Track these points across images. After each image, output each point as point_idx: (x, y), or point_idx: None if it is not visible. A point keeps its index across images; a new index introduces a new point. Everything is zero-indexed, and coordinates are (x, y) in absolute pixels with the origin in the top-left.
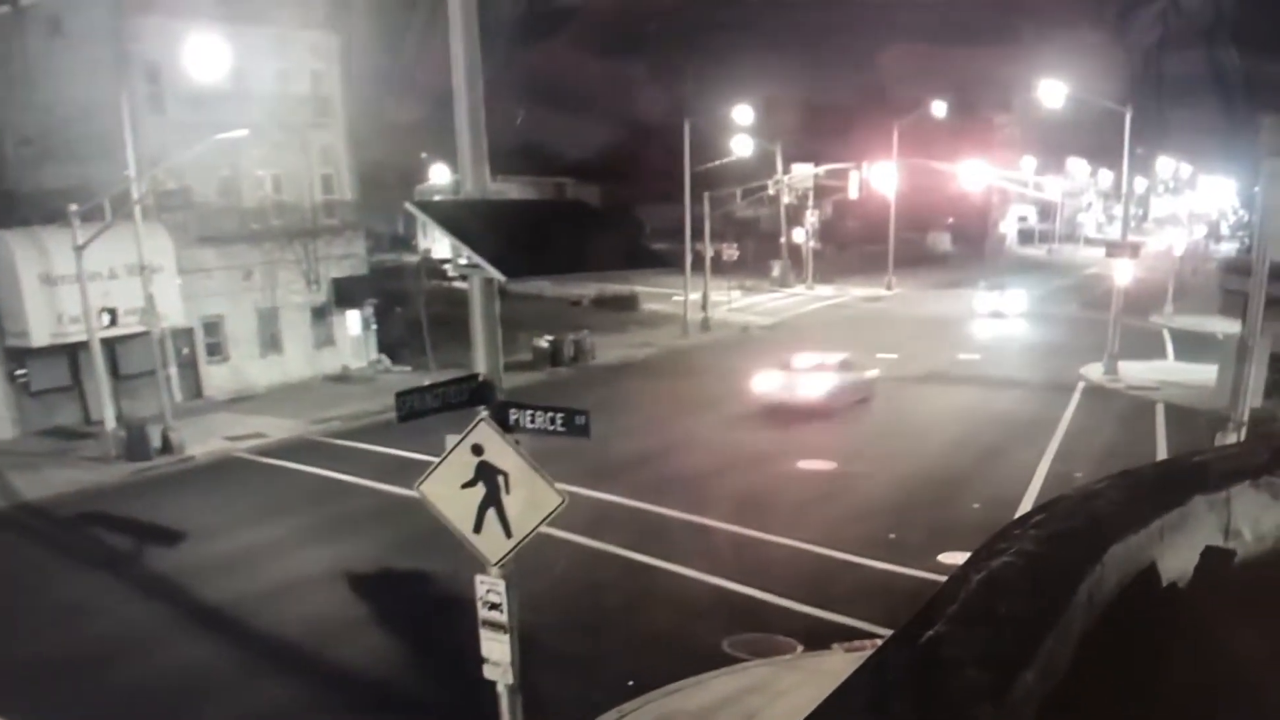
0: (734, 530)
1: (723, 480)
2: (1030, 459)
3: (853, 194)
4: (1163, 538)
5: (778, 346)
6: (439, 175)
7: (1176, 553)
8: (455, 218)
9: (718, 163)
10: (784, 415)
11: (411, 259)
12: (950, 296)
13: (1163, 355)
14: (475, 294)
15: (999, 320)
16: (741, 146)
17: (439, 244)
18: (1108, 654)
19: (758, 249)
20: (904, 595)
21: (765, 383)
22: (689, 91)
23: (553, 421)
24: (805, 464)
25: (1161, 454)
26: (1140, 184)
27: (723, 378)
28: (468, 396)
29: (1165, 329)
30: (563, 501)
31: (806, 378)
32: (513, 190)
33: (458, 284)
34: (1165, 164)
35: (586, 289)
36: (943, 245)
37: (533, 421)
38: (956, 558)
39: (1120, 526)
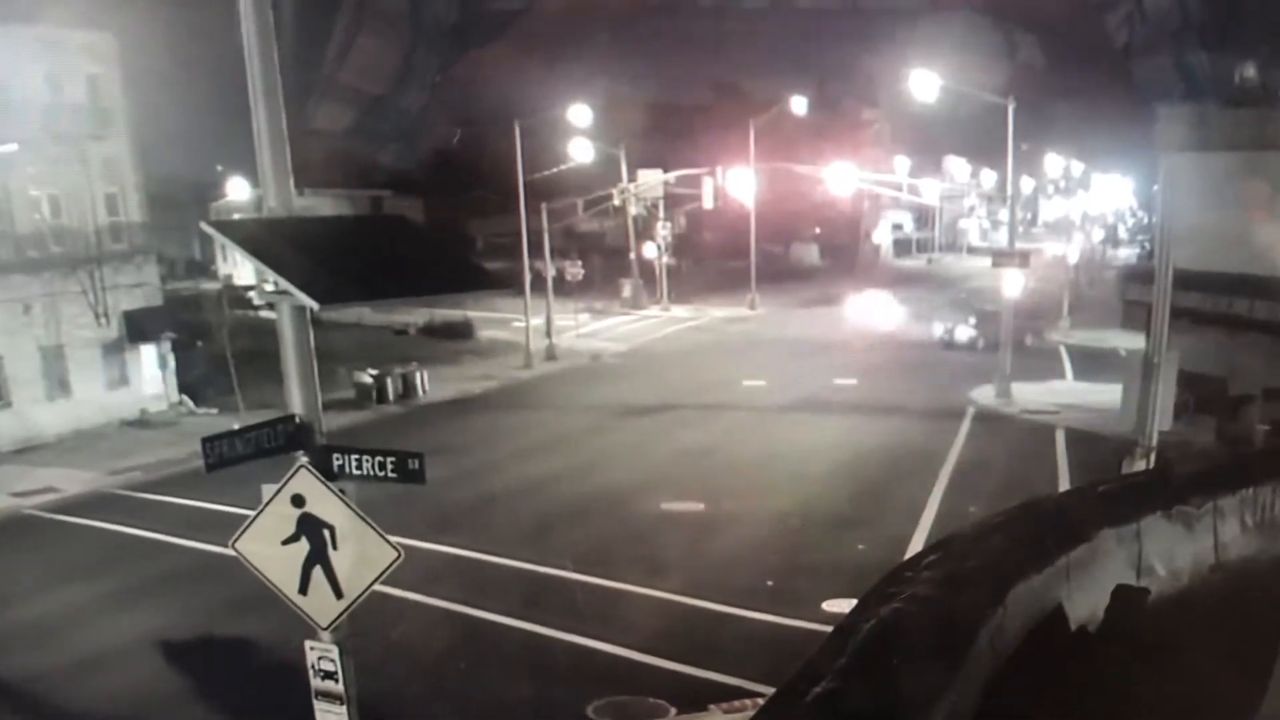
0: (594, 582)
1: (580, 525)
2: (919, 494)
3: (708, 203)
4: (1069, 576)
5: (635, 375)
6: (238, 190)
7: (1085, 592)
8: (258, 239)
9: (555, 170)
10: None
11: (211, 286)
12: (821, 315)
13: (1060, 375)
14: (285, 324)
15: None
16: (581, 151)
17: (241, 269)
18: (1015, 704)
19: (605, 267)
20: (787, 648)
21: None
22: (522, 92)
23: (382, 466)
24: (670, 505)
25: (1064, 485)
26: (1027, 184)
27: (573, 413)
28: (283, 441)
29: (1062, 346)
30: (398, 556)
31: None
32: (323, 206)
33: (265, 313)
34: (1054, 161)
35: (413, 315)
36: (810, 258)
37: (359, 467)
38: (843, 605)
39: (1022, 565)
